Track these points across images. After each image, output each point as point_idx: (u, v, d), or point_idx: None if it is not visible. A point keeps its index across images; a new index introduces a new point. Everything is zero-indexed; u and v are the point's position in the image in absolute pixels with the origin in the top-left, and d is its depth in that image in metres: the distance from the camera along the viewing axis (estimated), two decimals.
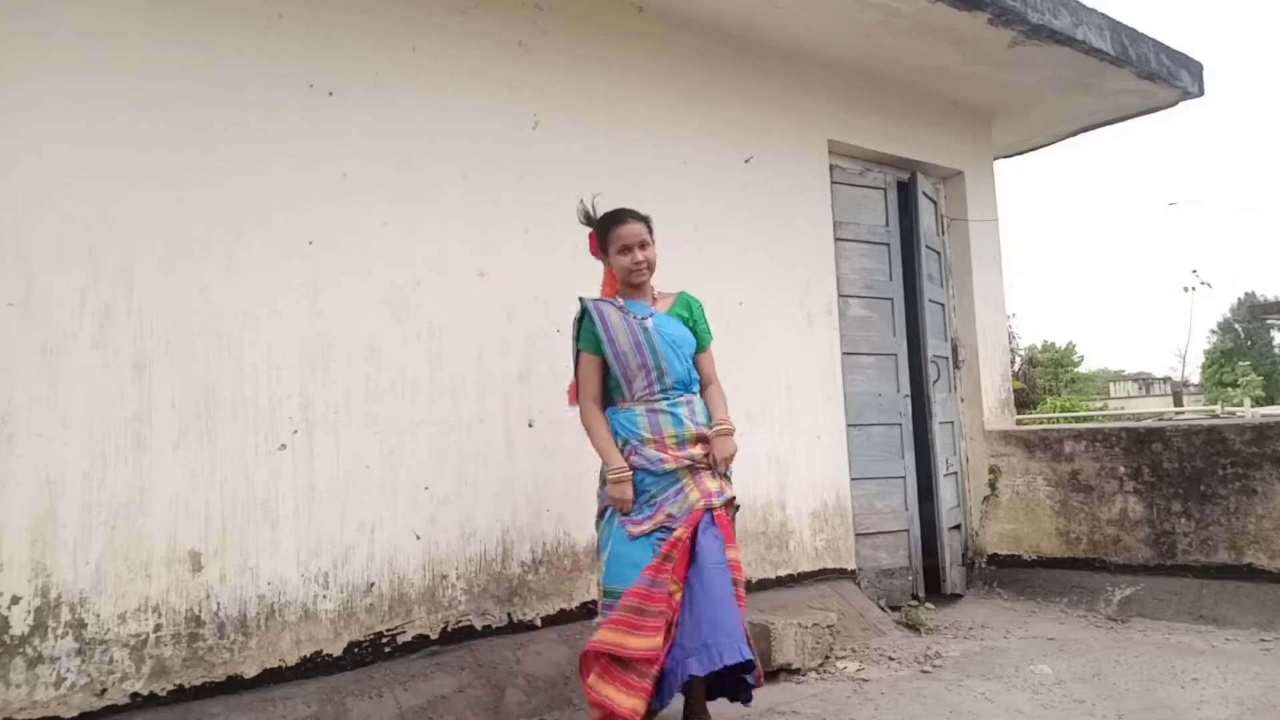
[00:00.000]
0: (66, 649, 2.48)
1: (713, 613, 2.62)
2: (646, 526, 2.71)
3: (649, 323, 2.84)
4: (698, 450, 2.81)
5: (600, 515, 2.89)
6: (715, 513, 2.77)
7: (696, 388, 2.93)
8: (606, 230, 2.91)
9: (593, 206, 2.97)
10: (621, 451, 2.79)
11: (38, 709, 2.42)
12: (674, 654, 2.63)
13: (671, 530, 2.70)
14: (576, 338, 2.91)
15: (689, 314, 2.97)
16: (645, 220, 2.92)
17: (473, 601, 3.26)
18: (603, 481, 2.85)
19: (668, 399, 2.82)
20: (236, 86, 2.93)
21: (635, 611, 2.62)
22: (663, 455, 2.76)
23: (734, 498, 2.88)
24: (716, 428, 2.87)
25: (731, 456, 2.87)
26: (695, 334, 2.95)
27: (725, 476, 2.88)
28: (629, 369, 2.80)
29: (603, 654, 2.62)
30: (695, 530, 2.72)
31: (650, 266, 2.90)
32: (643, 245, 2.87)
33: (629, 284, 2.91)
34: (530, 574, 3.42)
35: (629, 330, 2.80)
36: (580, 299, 2.91)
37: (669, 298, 3.01)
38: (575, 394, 2.94)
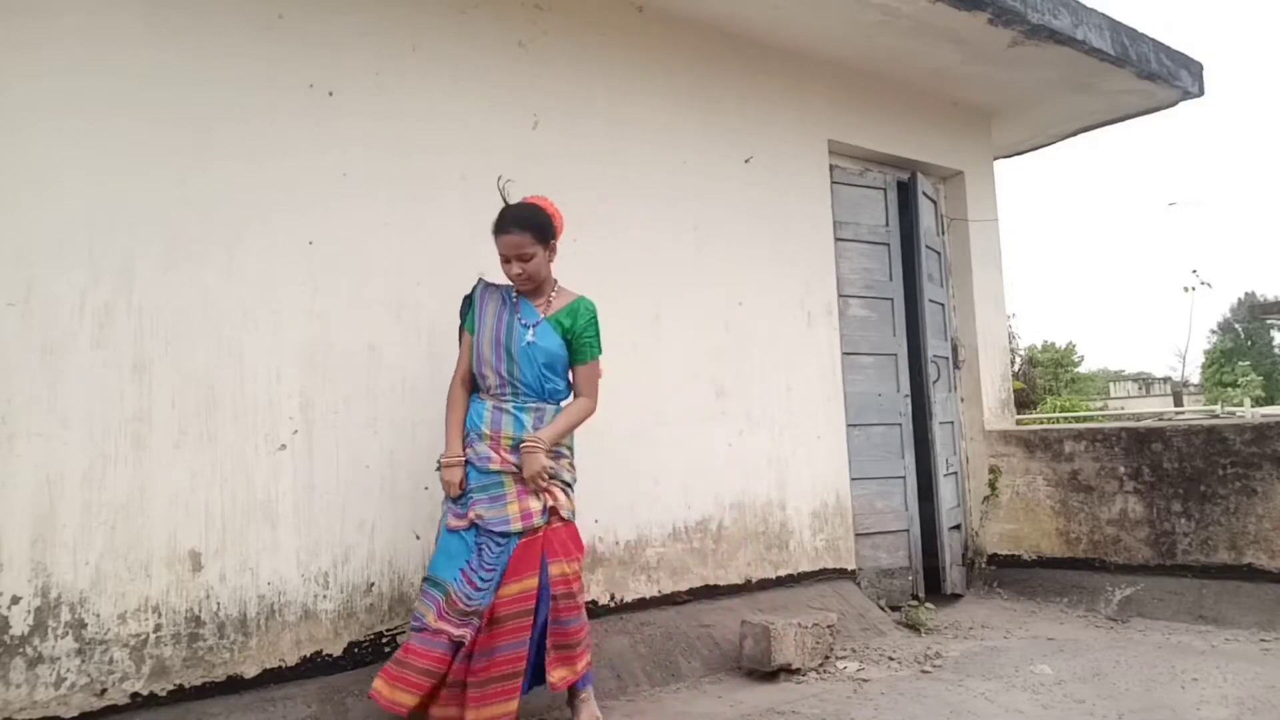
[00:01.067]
0: (66, 649, 2.48)
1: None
2: (462, 523, 2.71)
3: (531, 332, 2.77)
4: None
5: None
6: (531, 536, 2.68)
7: (560, 399, 2.85)
8: (493, 232, 2.79)
9: (504, 191, 2.84)
10: (464, 440, 2.79)
11: (38, 709, 2.42)
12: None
13: (485, 532, 2.67)
14: (461, 313, 2.89)
15: (570, 323, 2.81)
16: (532, 227, 2.73)
17: None
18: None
19: (516, 401, 2.78)
20: (236, 87, 2.93)
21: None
22: (491, 454, 2.73)
23: (557, 511, 2.74)
24: (525, 441, 2.71)
25: (537, 474, 2.68)
26: (572, 346, 2.81)
27: (565, 491, 2.79)
28: (484, 363, 2.79)
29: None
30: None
31: (530, 279, 2.77)
32: (521, 257, 2.72)
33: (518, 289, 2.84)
34: None
35: (495, 327, 2.78)
36: (480, 279, 2.91)
37: (566, 296, 2.87)
38: None
